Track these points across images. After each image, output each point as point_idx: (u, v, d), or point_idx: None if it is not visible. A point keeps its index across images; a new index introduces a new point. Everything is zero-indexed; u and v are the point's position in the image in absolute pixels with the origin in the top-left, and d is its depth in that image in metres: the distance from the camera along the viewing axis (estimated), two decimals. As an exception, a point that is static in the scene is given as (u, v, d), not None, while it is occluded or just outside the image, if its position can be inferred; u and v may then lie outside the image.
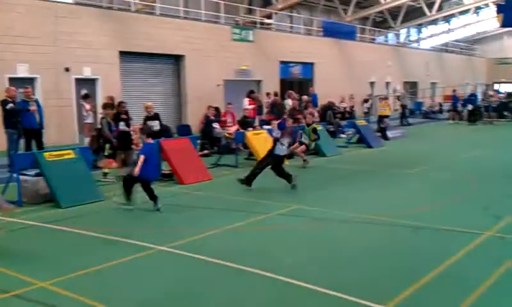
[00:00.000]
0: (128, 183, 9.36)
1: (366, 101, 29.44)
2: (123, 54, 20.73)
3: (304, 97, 20.68)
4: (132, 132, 12.78)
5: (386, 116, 22.66)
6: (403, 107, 29.35)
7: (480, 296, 5.44)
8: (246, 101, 19.49)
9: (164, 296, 5.52)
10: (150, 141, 9.75)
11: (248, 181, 11.16)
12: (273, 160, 11.31)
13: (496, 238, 7.54)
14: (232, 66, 24.92)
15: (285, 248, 7.20)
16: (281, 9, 30.19)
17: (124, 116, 12.81)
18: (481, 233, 7.66)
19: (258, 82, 26.52)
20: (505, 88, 36.69)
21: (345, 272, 6.25)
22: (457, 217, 8.78)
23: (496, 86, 40.28)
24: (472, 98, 31.34)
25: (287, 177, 11.22)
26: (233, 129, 16.69)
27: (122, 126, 12.52)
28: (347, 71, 32.04)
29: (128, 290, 5.72)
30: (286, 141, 11.42)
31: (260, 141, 14.81)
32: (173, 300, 5.45)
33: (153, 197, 9.27)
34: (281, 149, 11.33)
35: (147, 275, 6.13)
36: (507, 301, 5.43)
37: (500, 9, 30.22)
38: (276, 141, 11.38)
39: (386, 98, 25.78)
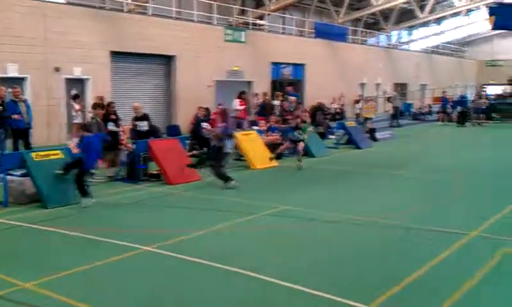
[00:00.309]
0: (78, 179, 9.62)
1: (357, 102, 29.58)
2: (115, 54, 20.67)
3: (292, 98, 20.73)
4: (121, 133, 12.80)
5: (369, 118, 22.94)
6: (395, 108, 29.49)
7: (463, 296, 5.50)
8: (237, 102, 19.50)
9: (150, 296, 5.52)
10: (88, 134, 10.08)
11: (225, 179, 11.29)
12: (216, 155, 11.52)
13: (481, 238, 7.62)
14: (224, 67, 24.94)
15: (270, 249, 7.22)
16: (274, 11, 30.23)
17: (113, 117, 12.82)
18: (466, 234, 7.74)
19: (250, 83, 26.55)
20: (494, 90, 36.86)
21: (331, 272, 6.29)
22: (443, 218, 8.85)
23: (485, 88, 40.50)
24: (462, 99, 31.56)
25: (225, 177, 11.32)
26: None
27: (111, 126, 12.52)
28: (338, 72, 32.14)
29: (114, 291, 5.72)
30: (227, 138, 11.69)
31: (250, 141, 14.86)
32: (158, 301, 5.45)
33: (83, 192, 9.54)
34: (225, 146, 11.53)
35: (133, 275, 6.14)
36: (488, 301, 5.49)
37: (492, 11, 30.45)
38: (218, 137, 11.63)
39: (371, 100, 26.00)
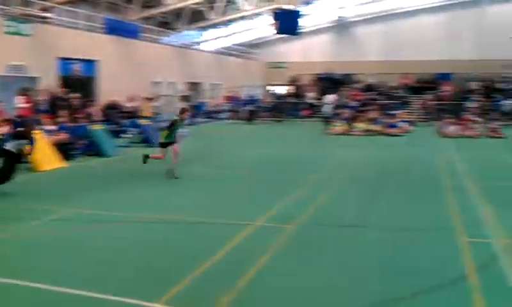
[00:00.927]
0: None
1: (150, 100, 29.62)
2: None
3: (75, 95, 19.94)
4: None
5: (147, 117, 23.12)
6: (191, 107, 30.19)
7: (248, 283, 5.92)
8: (19, 99, 18.10)
9: None
10: None
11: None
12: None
13: (263, 227, 8.27)
14: (4, 61, 22.92)
15: (49, 255, 6.93)
16: (62, 3, 28.64)
17: None
18: (250, 224, 8.32)
19: (35, 78, 24.82)
20: (279, 90, 39.93)
21: (115, 273, 6.27)
22: (230, 211, 9.41)
23: (271, 88, 43.60)
24: (250, 99, 33.58)
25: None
26: (4, 129, 15.36)
27: None
28: (132, 70, 31.73)
29: None
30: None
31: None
32: None
33: None
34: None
35: None
36: (271, 287, 5.99)
37: (276, 17, 32.95)
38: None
39: (151, 99, 26.37)
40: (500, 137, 23.06)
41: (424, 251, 7.23)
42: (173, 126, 12.75)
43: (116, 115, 22.35)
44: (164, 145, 12.73)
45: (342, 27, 42.14)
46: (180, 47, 39.79)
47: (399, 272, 6.41)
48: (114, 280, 6.01)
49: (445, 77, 35.09)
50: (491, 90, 32.93)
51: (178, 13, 39.93)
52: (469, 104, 30.16)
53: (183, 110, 13.72)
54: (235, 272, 6.20)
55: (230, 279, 5.95)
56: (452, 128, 24.09)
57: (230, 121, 32.23)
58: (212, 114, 35.35)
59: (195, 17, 41.06)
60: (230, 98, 35.08)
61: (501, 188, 11.53)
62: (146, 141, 19.23)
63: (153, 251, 7.09)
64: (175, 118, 13.05)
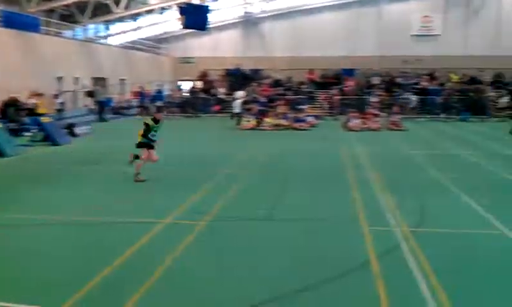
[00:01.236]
0: None
1: (56, 96, 28.40)
2: None
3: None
4: None
5: (42, 114, 22.22)
6: (99, 103, 29.30)
7: (155, 283, 5.85)
8: None
9: None
10: None
11: None
12: None
13: (172, 224, 8.20)
14: None
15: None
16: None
17: None
18: (159, 222, 8.22)
19: None
20: (188, 86, 39.65)
21: (13, 282, 5.98)
22: (139, 209, 9.26)
23: (180, 84, 43.20)
24: (159, 94, 33.10)
25: None
26: None
27: None
28: (33, 65, 30.20)
29: None
30: None
31: None
32: None
33: None
34: None
35: None
36: (178, 286, 5.96)
37: (183, 11, 32.61)
38: None
39: (41, 95, 25.40)
40: (401, 130, 24.31)
41: (331, 241, 7.50)
42: (147, 129, 11.80)
43: (15, 113, 21.20)
44: (140, 146, 11.90)
45: (249, 22, 42.52)
46: (85, 41, 38.50)
47: (307, 263, 6.60)
48: (11, 288, 5.72)
49: (348, 73, 36.43)
50: (391, 85, 34.61)
51: (81, 6, 38.52)
52: (372, 99, 31.52)
53: (158, 110, 13.15)
54: (141, 273, 6.09)
55: (135, 282, 5.84)
56: (356, 122, 25.06)
57: (138, 117, 31.57)
58: (119, 110, 34.48)
59: (100, 11, 39.82)
60: (138, 94, 34.36)
61: (401, 179, 12.18)
62: (48, 140, 18.40)
63: (54, 256, 6.82)
64: (147, 121, 12.02)
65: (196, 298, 5.53)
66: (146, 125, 11.83)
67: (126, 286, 5.70)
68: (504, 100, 31.69)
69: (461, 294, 5.69)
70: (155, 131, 11.87)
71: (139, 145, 11.90)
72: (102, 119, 28.13)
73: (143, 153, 11.83)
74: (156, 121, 12.03)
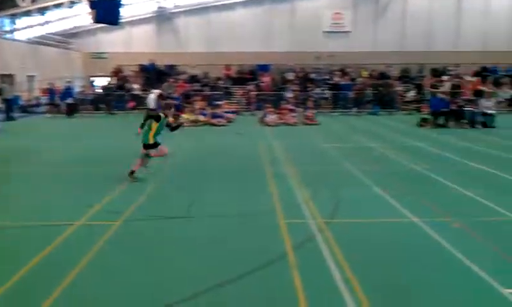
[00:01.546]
0: None
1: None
2: None
3: None
4: None
5: None
6: (6, 101, 27.80)
7: (67, 288, 5.68)
8: None
9: None
10: None
11: None
12: None
13: (85, 226, 7.97)
14: None
15: None
16: None
17: None
18: (72, 224, 7.97)
19: None
20: (101, 82, 38.57)
21: None
22: (51, 211, 8.94)
23: (93, 80, 41.93)
24: (69, 91, 31.95)
25: None
26: None
27: None
28: None
29: None
30: None
31: None
32: None
33: None
34: None
35: None
36: (96, 284, 5.82)
37: (93, 5, 31.57)
38: None
39: None
40: (315, 124, 24.96)
41: (249, 236, 7.61)
42: (160, 127, 11.69)
43: None
44: (155, 145, 11.75)
45: (163, 17, 41.97)
46: (-12, 35, 36.47)
47: (226, 258, 6.67)
48: None
49: (264, 68, 36.86)
50: (305, 80, 35.41)
51: (-16, -1, 36.43)
52: (287, 94, 32.09)
53: (167, 106, 12.94)
54: (52, 279, 5.90)
55: (45, 288, 5.66)
56: (272, 117, 25.43)
57: (49, 115, 30.35)
58: (28, 109, 32.94)
59: (4, 4, 37.85)
60: (47, 91, 32.96)
61: (315, 172, 12.53)
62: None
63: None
64: (160, 114, 11.90)
65: (111, 300, 5.43)
66: (158, 122, 11.63)
67: (33, 295, 5.50)
68: (411, 94, 33.32)
69: (372, 280, 5.96)
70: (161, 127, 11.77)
71: (154, 145, 11.71)
72: (9, 118, 26.73)
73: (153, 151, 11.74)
74: (166, 117, 12.03)
